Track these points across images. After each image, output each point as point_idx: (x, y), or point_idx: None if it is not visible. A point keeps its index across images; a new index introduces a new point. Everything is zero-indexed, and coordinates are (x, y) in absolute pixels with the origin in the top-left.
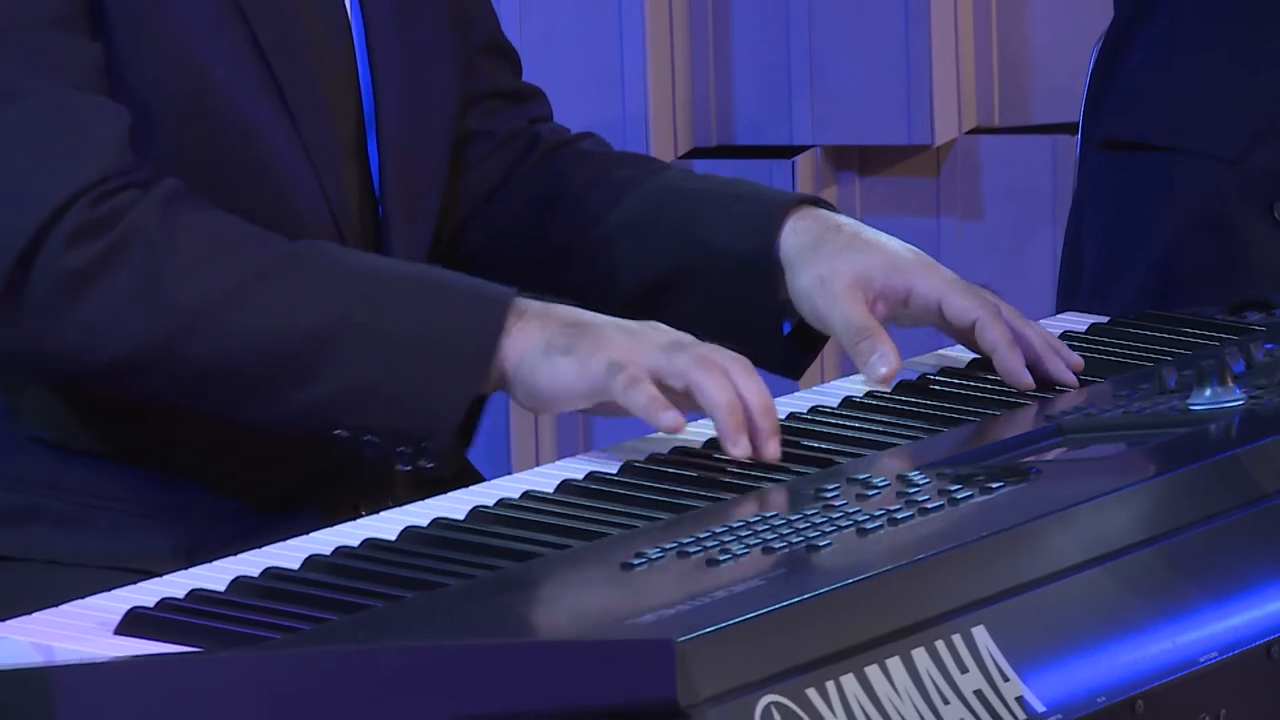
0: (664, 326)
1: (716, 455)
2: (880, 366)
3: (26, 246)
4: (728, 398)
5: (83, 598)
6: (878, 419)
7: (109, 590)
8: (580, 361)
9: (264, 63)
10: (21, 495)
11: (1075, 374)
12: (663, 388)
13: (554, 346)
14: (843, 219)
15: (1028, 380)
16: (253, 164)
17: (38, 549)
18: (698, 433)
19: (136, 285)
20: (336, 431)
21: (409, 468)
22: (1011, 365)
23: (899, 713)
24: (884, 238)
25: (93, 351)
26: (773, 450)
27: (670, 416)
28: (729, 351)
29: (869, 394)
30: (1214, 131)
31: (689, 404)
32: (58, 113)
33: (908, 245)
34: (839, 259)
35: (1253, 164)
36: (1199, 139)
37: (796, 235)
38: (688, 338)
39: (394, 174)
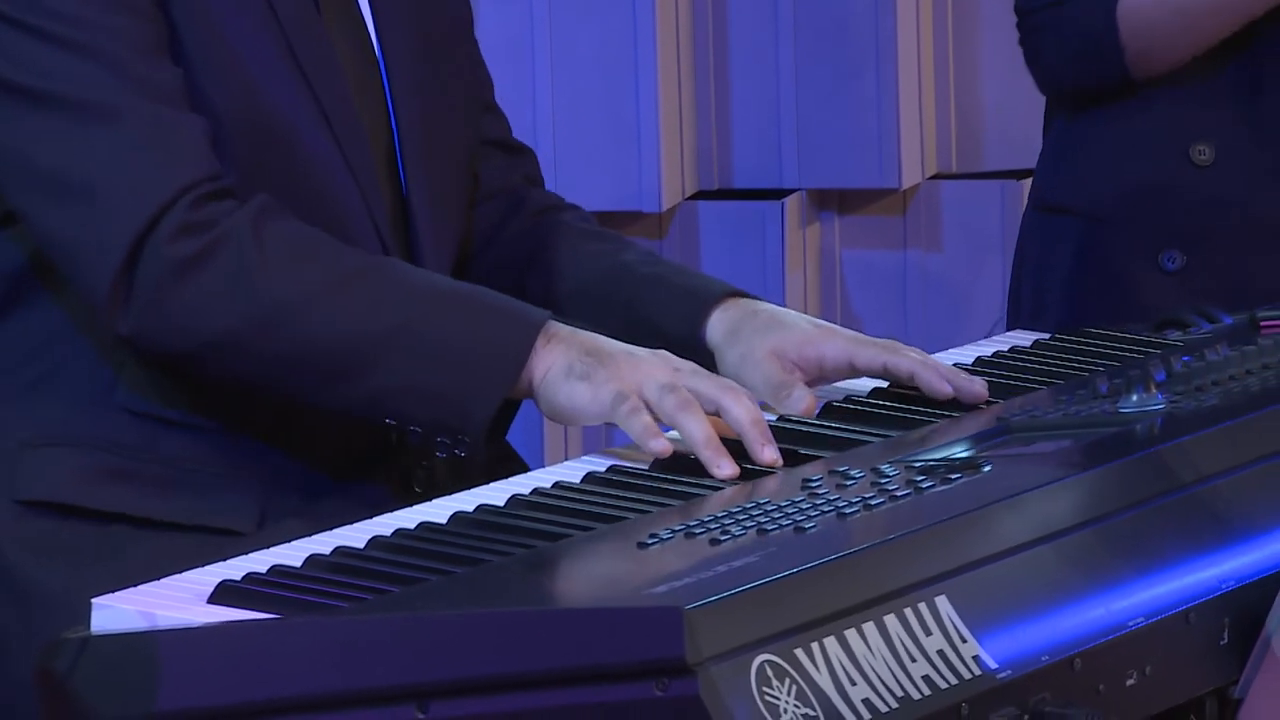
0: (669, 355)
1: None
2: (799, 404)
3: (137, 239)
4: (703, 434)
5: (176, 564)
6: (854, 422)
7: (198, 554)
8: (594, 389)
9: (311, 94)
10: (120, 458)
11: (981, 392)
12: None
13: (574, 372)
14: (760, 305)
15: (947, 390)
16: (305, 179)
17: (134, 506)
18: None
19: (230, 278)
20: (387, 420)
21: (445, 454)
22: (931, 379)
23: (873, 669)
24: (794, 317)
25: (190, 332)
26: (769, 455)
27: (659, 443)
28: (716, 381)
29: (846, 399)
30: (1103, 196)
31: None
32: (155, 127)
33: (814, 320)
34: (756, 338)
35: (1139, 223)
36: (1092, 203)
37: (721, 323)
38: (686, 367)
39: (418, 181)
